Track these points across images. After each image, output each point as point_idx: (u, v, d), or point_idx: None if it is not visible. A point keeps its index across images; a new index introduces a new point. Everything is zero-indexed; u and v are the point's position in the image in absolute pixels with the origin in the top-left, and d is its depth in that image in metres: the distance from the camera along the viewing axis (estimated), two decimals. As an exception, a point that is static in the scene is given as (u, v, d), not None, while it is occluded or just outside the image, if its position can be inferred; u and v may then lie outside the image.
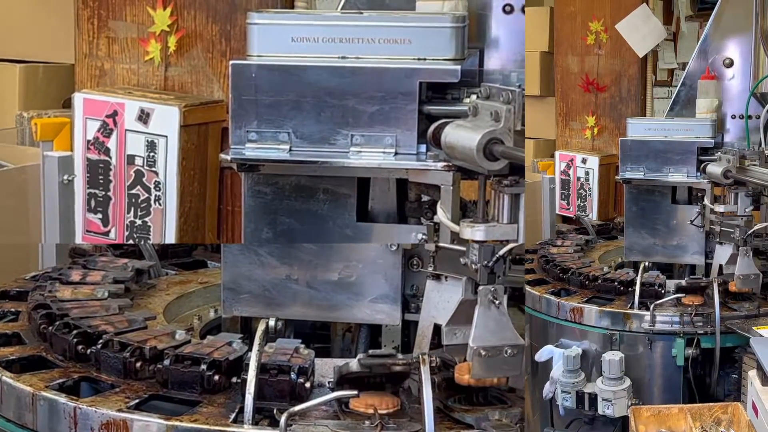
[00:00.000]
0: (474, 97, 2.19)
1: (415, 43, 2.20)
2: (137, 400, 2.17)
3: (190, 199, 4.32)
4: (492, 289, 2.13)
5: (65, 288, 2.85)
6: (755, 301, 3.93)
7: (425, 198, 2.33)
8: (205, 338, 2.50)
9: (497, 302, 2.12)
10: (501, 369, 2.11)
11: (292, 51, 2.25)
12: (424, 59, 2.19)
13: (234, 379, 2.21)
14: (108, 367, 2.32)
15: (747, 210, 4.07)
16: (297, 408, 2.00)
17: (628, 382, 3.71)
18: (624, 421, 3.65)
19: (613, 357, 3.70)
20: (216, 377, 2.21)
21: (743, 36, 4.47)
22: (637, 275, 3.97)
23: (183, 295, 3.05)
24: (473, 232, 2.13)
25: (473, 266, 2.17)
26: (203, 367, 2.21)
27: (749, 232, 3.93)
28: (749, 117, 4.33)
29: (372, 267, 2.53)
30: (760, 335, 3.54)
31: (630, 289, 3.97)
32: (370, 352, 2.10)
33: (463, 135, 2.05)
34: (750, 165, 3.90)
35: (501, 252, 2.14)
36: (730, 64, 4.58)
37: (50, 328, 2.49)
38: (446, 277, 2.40)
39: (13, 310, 2.80)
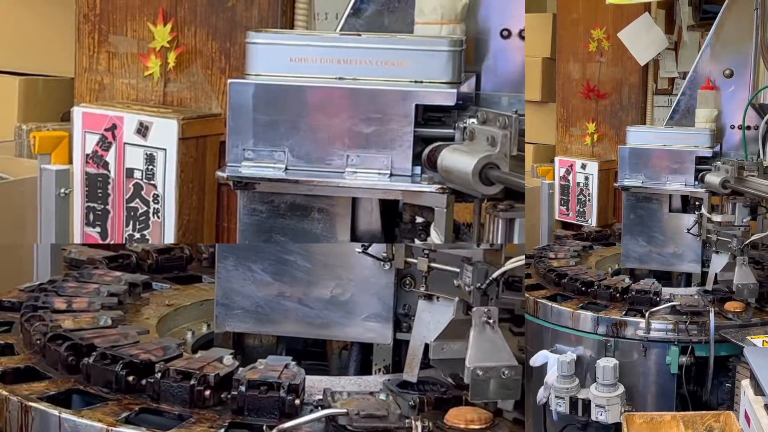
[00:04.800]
0: (470, 121, 2.21)
1: (412, 66, 2.22)
2: (127, 414, 2.17)
3: (189, 212, 4.33)
4: (486, 310, 2.14)
5: (59, 300, 2.86)
6: (750, 310, 3.94)
7: (419, 219, 2.34)
8: (197, 353, 2.51)
9: (491, 322, 2.13)
10: (499, 392, 2.12)
11: (290, 71, 2.27)
12: (421, 82, 2.21)
13: (224, 395, 2.22)
14: (99, 379, 2.32)
15: (744, 220, 4.11)
16: (286, 425, 2.01)
17: (621, 389, 3.72)
18: (617, 427, 3.66)
19: (607, 363, 3.71)
20: (206, 392, 2.22)
21: (744, 47, 4.51)
22: (633, 282, 4.01)
23: (176, 309, 3.06)
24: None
25: (466, 288, 2.19)
26: (194, 381, 2.22)
27: (746, 242, 3.96)
28: (747, 128, 4.35)
29: (364, 286, 2.55)
30: (754, 345, 3.56)
31: (626, 295, 4.00)
32: (364, 412, 2.09)
33: (459, 159, 2.09)
34: (748, 176, 3.94)
35: (494, 274, 2.15)
36: (731, 75, 4.61)
37: (43, 339, 2.50)
38: (438, 298, 2.41)
39: (6, 321, 2.81)
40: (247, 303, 2.55)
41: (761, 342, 3.59)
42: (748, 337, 3.64)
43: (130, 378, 2.30)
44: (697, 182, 4.34)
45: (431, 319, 2.41)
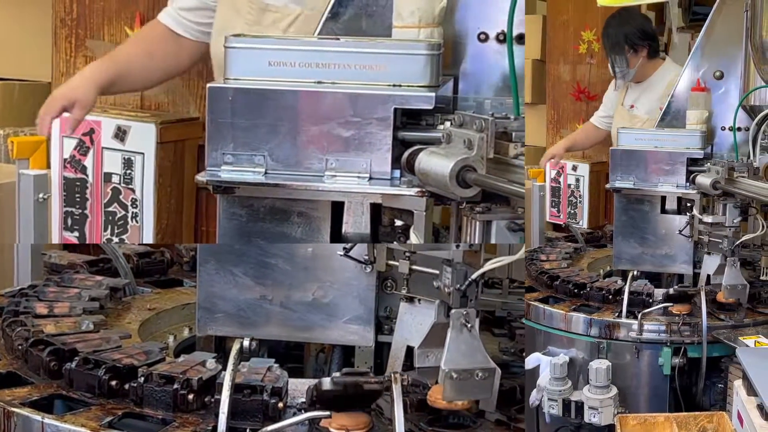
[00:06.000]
0: (448, 124, 2.22)
1: (390, 70, 2.22)
2: (111, 418, 2.18)
3: (167, 215, 4.34)
4: (464, 312, 2.15)
5: (40, 305, 2.86)
6: (742, 311, 3.96)
7: (398, 222, 2.35)
8: (179, 357, 2.52)
9: (469, 326, 2.15)
10: (472, 392, 2.13)
11: (268, 75, 2.27)
12: (400, 85, 2.22)
13: (208, 399, 2.23)
14: (82, 384, 2.33)
15: (735, 221, 4.10)
16: (270, 428, 2.03)
17: (614, 391, 3.73)
18: (610, 429, 3.66)
19: (600, 365, 3.72)
20: (190, 396, 2.23)
21: (734, 48, 4.52)
22: (625, 284, 4.00)
23: (158, 313, 3.07)
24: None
25: (446, 289, 2.20)
26: (177, 385, 2.23)
27: (737, 243, 3.99)
28: (738, 129, 4.37)
29: (346, 288, 2.56)
30: (746, 345, 3.57)
31: (618, 297, 4.00)
32: (344, 370, 2.13)
33: (436, 162, 2.09)
34: (739, 177, 3.96)
35: (473, 276, 2.17)
36: (721, 77, 4.62)
37: (25, 345, 2.50)
38: (419, 300, 2.43)
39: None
40: (228, 306, 2.56)
41: (753, 342, 3.61)
42: (741, 338, 3.66)
43: (113, 382, 2.31)
44: (688, 184, 4.35)
45: (413, 321, 2.43)
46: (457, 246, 2.25)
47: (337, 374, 2.09)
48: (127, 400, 2.28)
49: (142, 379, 2.27)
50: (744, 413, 2.92)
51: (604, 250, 5.15)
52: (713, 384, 3.80)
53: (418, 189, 2.19)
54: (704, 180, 4.02)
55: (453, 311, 2.16)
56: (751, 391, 2.93)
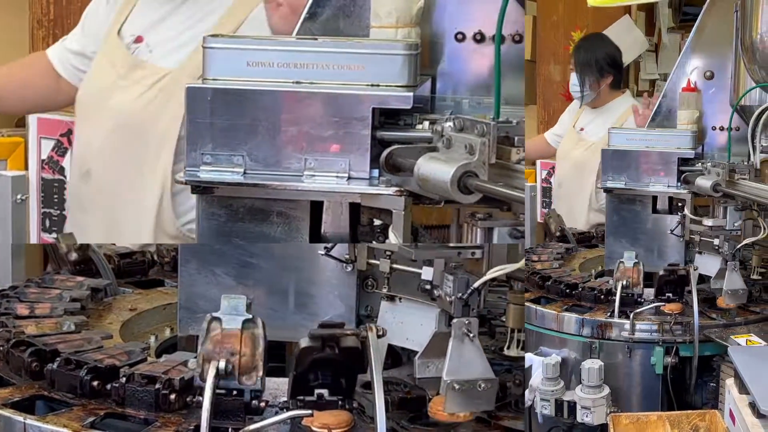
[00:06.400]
0: (427, 124, 2.23)
1: (368, 70, 2.23)
2: (93, 419, 2.19)
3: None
4: (466, 322, 2.14)
5: (21, 306, 2.86)
6: (733, 310, 3.98)
7: (377, 222, 2.37)
8: (161, 357, 2.53)
9: (471, 335, 2.14)
10: (474, 403, 2.13)
11: (247, 75, 2.28)
12: (378, 85, 2.23)
13: (190, 398, 2.24)
14: (64, 385, 2.34)
15: (736, 224, 4.10)
16: (252, 427, 2.03)
17: (607, 390, 3.75)
18: (603, 429, 3.68)
19: (592, 365, 3.73)
20: (172, 396, 2.24)
21: (724, 49, 4.52)
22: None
23: (139, 313, 3.07)
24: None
25: (447, 298, 2.19)
26: (159, 385, 2.24)
27: (738, 247, 3.96)
28: (729, 129, 4.38)
29: (327, 287, 2.57)
30: (738, 344, 3.60)
31: (610, 297, 4.02)
32: (321, 322, 2.15)
33: (436, 168, 2.06)
34: (740, 179, 3.94)
35: (476, 284, 2.16)
36: (711, 77, 4.65)
37: (6, 346, 2.50)
38: (400, 299, 2.45)
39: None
40: (210, 306, 2.55)
41: (745, 341, 3.64)
42: (732, 337, 3.70)
43: (95, 383, 2.31)
44: (680, 183, 4.36)
45: (394, 320, 2.44)
46: (459, 253, 2.27)
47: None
48: (109, 401, 2.28)
49: (124, 379, 2.28)
50: (736, 411, 2.94)
51: (596, 250, 5.16)
52: (705, 383, 3.83)
53: (397, 188, 2.20)
54: (704, 182, 3.97)
55: (455, 320, 2.14)
56: (743, 389, 2.95)
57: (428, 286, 2.32)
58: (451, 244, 2.24)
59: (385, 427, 2.01)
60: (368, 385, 2.31)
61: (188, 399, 2.24)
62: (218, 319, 2.18)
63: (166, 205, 3.44)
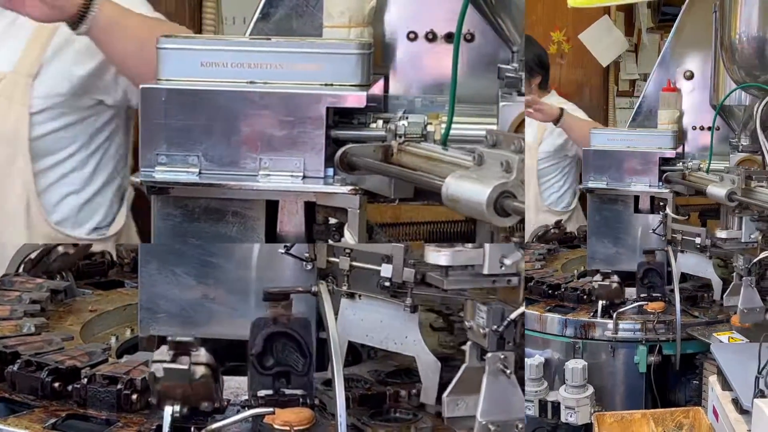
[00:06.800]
0: (381, 122, 2.24)
1: (322, 69, 2.25)
2: (54, 420, 2.20)
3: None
4: (502, 356, 1.98)
5: (-21, 310, 2.86)
6: (716, 307, 4.03)
7: (333, 221, 2.38)
8: (122, 357, 2.53)
9: (508, 372, 1.99)
10: None
11: (201, 75, 2.29)
12: (332, 85, 2.25)
13: (151, 398, 2.24)
14: (25, 387, 2.35)
15: (752, 236, 3.85)
16: (213, 426, 2.05)
17: (591, 390, 3.76)
18: (587, 429, 3.71)
19: (575, 365, 3.75)
20: (133, 396, 2.26)
21: (703, 49, 4.56)
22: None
23: (100, 315, 3.07)
24: (438, 256, 2.00)
25: (481, 330, 2.02)
26: (121, 386, 2.26)
27: (754, 261, 3.71)
28: (709, 129, 4.41)
29: (287, 286, 2.57)
30: (720, 341, 3.60)
31: (593, 297, 4.03)
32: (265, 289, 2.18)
33: (468, 188, 1.84)
34: (757, 186, 3.70)
35: (512, 315, 2.00)
36: (691, 77, 4.69)
37: (-36, 349, 2.50)
38: (360, 296, 2.46)
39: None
40: (171, 306, 2.58)
41: (727, 338, 3.65)
42: (715, 334, 3.70)
43: (56, 384, 2.32)
44: (661, 183, 4.37)
45: (354, 317, 2.46)
46: (494, 281, 2.06)
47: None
48: (71, 402, 2.29)
49: (86, 380, 2.29)
50: (719, 408, 2.97)
51: (578, 250, 5.14)
52: (688, 381, 3.86)
53: (352, 187, 2.22)
54: (718, 191, 3.68)
55: (489, 355, 1.99)
56: (726, 386, 2.98)
57: (387, 283, 2.34)
58: (485, 272, 2.05)
59: (345, 420, 2.03)
60: (329, 382, 2.32)
61: (150, 399, 2.24)
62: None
63: (34, 205, 3.48)
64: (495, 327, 1.98)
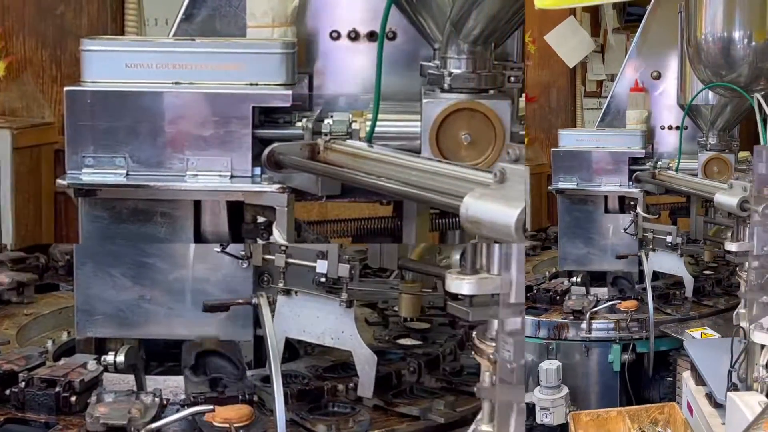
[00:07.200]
0: (305, 121, 2.25)
1: (246, 69, 2.28)
2: (-7, 425, 2.21)
3: (26, 222, 4.30)
4: None
5: None
6: (687, 304, 4.08)
7: (261, 219, 2.40)
8: (59, 360, 2.54)
9: None
10: None
11: (126, 77, 2.31)
12: (257, 84, 2.27)
13: (90, 400, 2.26)
14: (-37, 392, 2.34)
15: (765, 248, 3.07)
16: (153, 426, 2.07)
17: (565, 390, 3.79)
18: (563, 429, 3.73)
19: (550, 366, 3.77)
20: (72, 398, 2.27)
21: (670, 49, 4.60)
22: (571, 285, 4.09)
23: (35, 318, 3.07)
24: (461, 284, 1.70)
25: (508, 366, 1.75)
26: (59, 388, 2.27)
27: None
28: (677, 128, 4.47)
29: (223, 284, 2.59)
30: (693, 337, 3.66)
31: (565, 298, 4.07)
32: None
33: (492, 209, 1.68)
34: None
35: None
36: (658, 77, 4.73)
37: None
38: (296, 292, 2.48)
39: None
40: (108, 308, 2.57)
41: (699, 334, 3.73)
42: (687, 331, 3.78)
43: (-7, 389, 2.32)
44: (631, 182, 4.39)
45: (290, 313, 2.48)
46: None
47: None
48: (9, 406, 2.30)
49: (23, 384, 2.30)
50: (693, 403, 3.03)
51: (549, 252, 5.17)
52: (662, 378, 3.93)
53: (279, 186, 2.25)
54: (728, 199, 3.19)
55: None
56: (700, 381, 3.04)
57: (323, 279, 2.37)
58: (513, 301, 1.73)
59: (284, 416, 2.06)
60: (267, 379, 2.35)
61: (89, 400, 2.26)
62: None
63: None
64: (522, 362, 1.77)
